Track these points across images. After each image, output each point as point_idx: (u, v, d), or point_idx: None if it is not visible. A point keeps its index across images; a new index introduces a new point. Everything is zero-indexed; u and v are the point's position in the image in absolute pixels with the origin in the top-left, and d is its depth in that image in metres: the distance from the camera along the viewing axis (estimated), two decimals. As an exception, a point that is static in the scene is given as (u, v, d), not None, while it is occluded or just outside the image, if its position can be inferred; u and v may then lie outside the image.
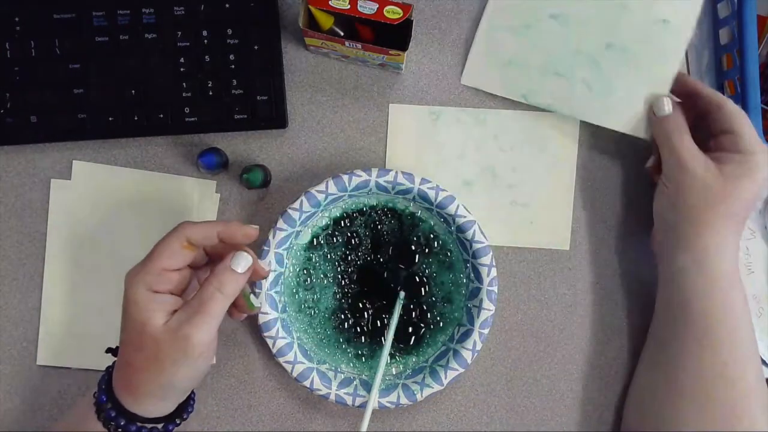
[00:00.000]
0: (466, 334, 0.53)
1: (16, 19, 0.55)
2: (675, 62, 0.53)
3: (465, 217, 0.53)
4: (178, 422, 0.47)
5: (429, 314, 0.55)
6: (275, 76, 0.56)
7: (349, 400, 0.53)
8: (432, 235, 0.55)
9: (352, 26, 0.53)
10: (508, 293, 0.57)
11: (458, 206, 0.53)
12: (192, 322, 0.42)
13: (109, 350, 0.48)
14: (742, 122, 0.49)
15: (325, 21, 0.52)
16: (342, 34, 0.53)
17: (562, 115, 0.56)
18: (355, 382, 0.54)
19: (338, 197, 0.53)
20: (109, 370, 0.46)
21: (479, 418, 0.57)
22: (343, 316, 0.55)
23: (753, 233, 0.58)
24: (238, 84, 0.55)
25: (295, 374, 0.53)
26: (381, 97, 0.58)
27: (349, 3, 0.49)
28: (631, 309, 0.57)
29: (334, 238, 0.55)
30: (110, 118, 0.55)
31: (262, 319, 0.53)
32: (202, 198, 0.57)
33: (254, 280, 0.50)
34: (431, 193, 0.53)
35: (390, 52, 0.51)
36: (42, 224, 0.57)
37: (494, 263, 0.53)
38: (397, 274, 0.55)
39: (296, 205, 0.53)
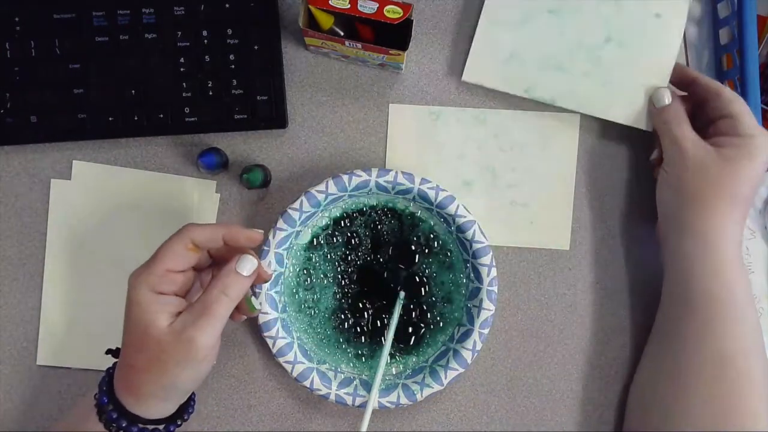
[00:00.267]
0: (466, 334, 0.53)
1: (16, 19, 0.55)
2: (671, 55, 0.54)
3: (465, 217, 0.53)
4: (179, 423, 0.47)
5: (429, 314, 0.55)
6: (275, 76, 0.56)
7: (349, 400, 0.53)
8: (432, 235, 0.55)
9: (352, 26, 0.53)
10: (508, 293, 0.57)
11: (458, 206, 0.53)
12: (197, 324, 0.42)
13: (108, 351, 0.48)
14: (740, 107, 0.50)
15: (325, 21, 0.52)
16: (342, 34, 0.53)
17: (564, 111, 0.56)
18: (355, 382, 0.54)
19: (338, 197, 0.53)
20: (110, 371, 0.46)
21: (479, 418, 0.57)
22: (343, 316, 0.55)
23: (753, 233, 0.58)
24: (238, 84, 0.55)
25: (295, 374, 0.53)
26: (381, 97, 0.58)
27: (349, 3, 0.49)
28: (632, 309, 0.57)
29: (334, 238, 0.55)
30: (110, 118, 0.55)
31: (262, 319, 0.53)
32: (202, 198, 0.57)
33: (257, 283, 0.50)
34: (431, 193, 0.53)
35: (390, 51, 0.51)
36: (42, 224, 0.57)
37: (494, 263, 0.53)
38: (397, 274, 0.55)
39: (296, 205, 0.53)
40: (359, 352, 0.55)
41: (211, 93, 0.55)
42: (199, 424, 0.56)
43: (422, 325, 0.55)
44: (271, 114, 0.56)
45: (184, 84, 0.55)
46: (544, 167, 0.58)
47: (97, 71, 0.55)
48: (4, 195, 0.57)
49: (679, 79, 0.54)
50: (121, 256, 0.56)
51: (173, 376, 0.43)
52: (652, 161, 0.55)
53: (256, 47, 0.55)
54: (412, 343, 0.55)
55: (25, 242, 0.57)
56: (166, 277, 0.44)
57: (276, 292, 0.54)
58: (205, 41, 0.55)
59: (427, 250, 0.55)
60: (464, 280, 0.55)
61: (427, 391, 0.53)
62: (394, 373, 0.55)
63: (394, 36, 0.50)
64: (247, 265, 0.45)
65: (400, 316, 0.54)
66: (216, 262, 0.49)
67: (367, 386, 0.54)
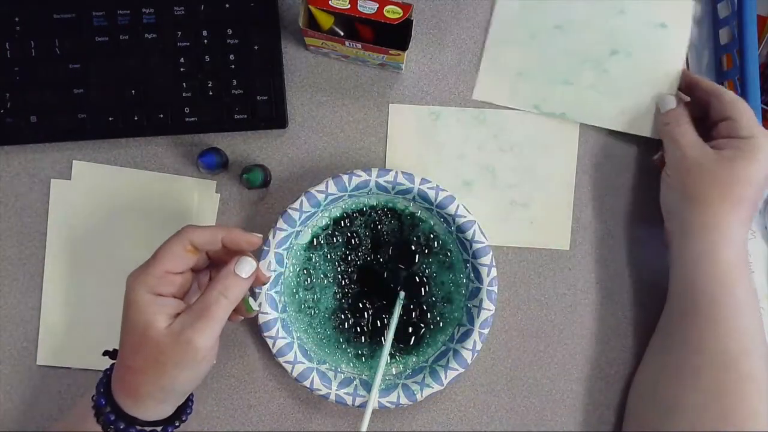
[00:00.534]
0: (466, 334, 0.53)
1: (16, 19, 0.55)
2: (678, 63, 0.55)
3: (465, 217, 0.53)
4: (177, 424, 0.47)
5: (429, 314, 0.55)
6: (275, 76, 0.56)
7: (349, 400, 0.53)
8: (432, 235, 0.55)
9: (352, 26, 0.53)
10: (508, 293, 0.57)
11: (458, 206, 0.53)
12: (195, 326, 0.42)
13: (106, 353, 0.48)
14: (740, 108, 0.50)
15: (325, 21, 0.52)
16: (342, 34, 0.53)
17: (573, 121, 0.57)
18: (355, 382, 0.54)
19: (338, 197, 0.53)
20: (107, 372, 0.46)
21: (479, 418, 0.57)
22: (343, 316, 0.55)
23: (753, 233, 0.58)
24: (238, 84, 0.55)
25: (295, 374, 0.53)
26: (381, 97, 0.58)
27: (349, 3, 0.49)
28: (632, 309, 0.57)
29: (334, 238, 0.55)
30: (110, 118, 0.55)
31: (262, 319, 0.53)
32: (202, 198, 0.57)
33: (255, 285, 0.50)
34: (431, 193, 0.53)
35: (390, 52, 0.51)
36: (42, 224, 0.57)
37: (494, 263, 0.53)
38: (397, 274, 0.55)
39: (296, 205, 0.52)
40: (359, 352, 0.55)
41: (211, 93, 0.55)
42: (199, 424, 0.56)
43: (422, 325, 0.55)
44: (271, 114, 0.56)
45: (184, 84, 0.55)
46: (544, 167, 0.58)
47: (97, 71, 0.55)
48: (4, 195, 0.57)
49: (682, 83, 0.55)
50: (121, 256, 0.56)
51: (172, 378, 0.43)
52: (655, 161, 0.55)
53: (256, 47, 0.55)
54: (412, 343, 0.55)
55: (25, 242, 0.57)
56: (164, 279, 0.44)
57: (276, 292, 0.54)
58: (205, 41, 0.55)
59: (427, 250, 0.55)
60: (464, 280, 0.55)
61: (427, 391, 0.53)
62: (394, 373, 0.55)
63: (394, 36, 0.50)
64: (246, 267, 0.45)
65: (400, 316, 0.54)
66: (214, 263, 0.49)
67: (367, 386, 0.54)
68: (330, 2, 0.49)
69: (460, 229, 0.53)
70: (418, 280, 0.55)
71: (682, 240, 0.51)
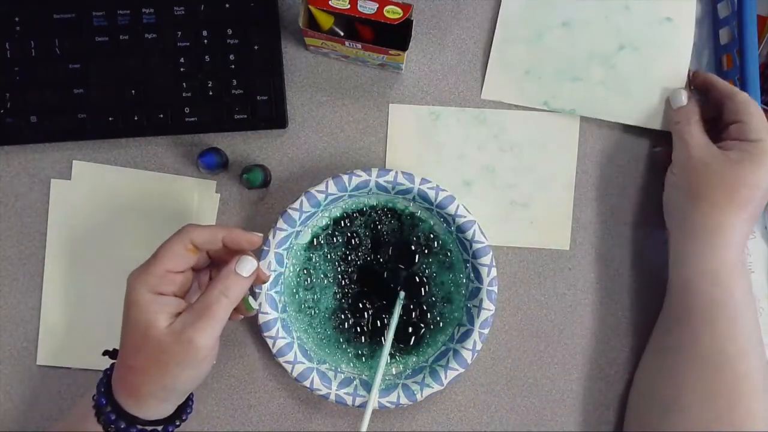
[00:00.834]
0: (466, 334, 0.53)
1: (16, 19, 0.55)
2: (685, 57, 0.56)
3: (465, 217, 0.53)
4: (177, 424, 0.47)
5: (429, 314, 0.55)
6: (275, 76, 0.56)
7: (349, 400, 0.53)
8: (432, 235, 0.55)
9: (352, 26, 0.53)
10: (508, 293, 0.57)
11: (458, 206, 0.53)
12: (196, 326, 0.42)
13: (105, 353, 0.48)
14: (751, 111, 0.50)
15: (325, 21, 0.52)
16: (342, 34, 0.53)
17: (581, 117, 0.57)
18: (355, 382, 0.54)
19: (338, 197, 0.53)
20: (108, 372, 0.46)
21: (479, 418, 0.57)
22: (343, 316, 0.55)
23: (753, 233, 0.58)
24: (238, 84, 0.55)
25: (295, 374, 0.53)
26: (381, 97, 0.58)
27: (349, 3, 0.49)
28: (631, 309, 0.57)
29: (334, 238, 0.55)
30: (110, 118, 0.55)
31: (262, 319, 0.53)
32: (202, 198, 0.57)
33: (256, 284, 0.50)
34: (431, 193, 0.53)
35: (390, 52, 0.51)
36: (42, 224, 0.57)
37: (494, 263, 0.53)
38: (397, 274, 0.55)
39: (296, 205, 0.52)
40: (359, 352, 0.55)
41: (211, 93, 0.55)
42: (199, 424, 0.56)
43: (422, 325, 0.55)
44: (271, 114, 0.56)
45: (184, 84, 0.55)
46: (544, 167, 0.58)
47: (97, 71, 0.55)
48: (4, 195, 0.57)
49: (700, 84, 0.55)
50: (121, 256, 0.56)
51: (173, 377, 0.43)
52: (656, 153, 0.56)
53: (256, 47, 0.55)
54: (412, 343, 0.55)
55: (25, 242, 0.57)
56: (165, 278, 0.44)
57: (276, 292, 0.54)
58: (205, 41, 0.55)
59: (427, 250, 0.55)
60: (464, 280, 0.55)
61: (427, 391, 0.53)
62: (394, 373, 0.55)
63: (394, 36, 0.50)
64: (247, 266, 0.45)
65: (400, 316, 0.54)
66: (214, 262, 0.49)
67: (367, 386, 0.54)
68: (330, 2, 0.49)
69: (460, 229, 0.53)
70: (418, 280, 0.55)
71: (683, 239, 0.51)
